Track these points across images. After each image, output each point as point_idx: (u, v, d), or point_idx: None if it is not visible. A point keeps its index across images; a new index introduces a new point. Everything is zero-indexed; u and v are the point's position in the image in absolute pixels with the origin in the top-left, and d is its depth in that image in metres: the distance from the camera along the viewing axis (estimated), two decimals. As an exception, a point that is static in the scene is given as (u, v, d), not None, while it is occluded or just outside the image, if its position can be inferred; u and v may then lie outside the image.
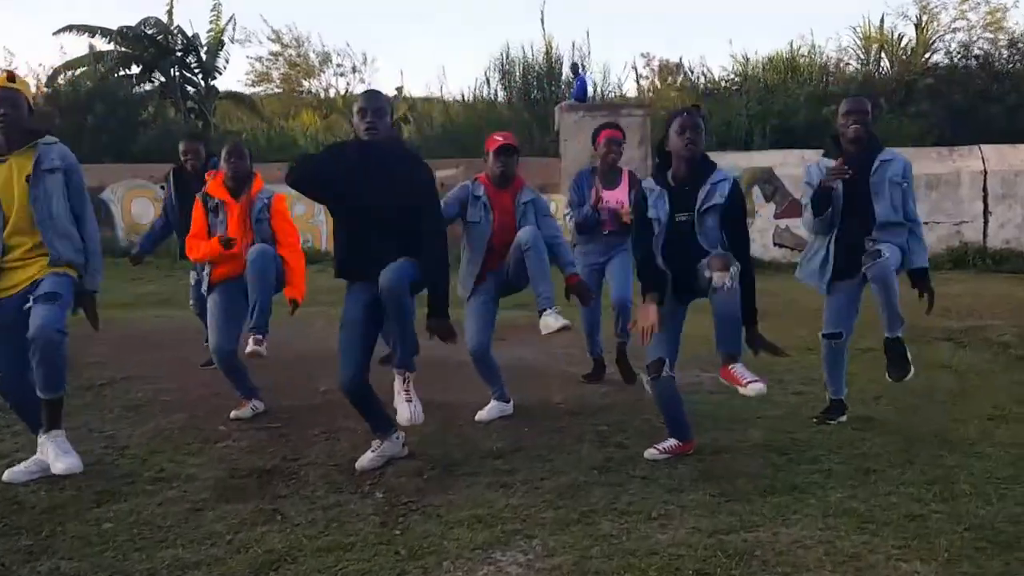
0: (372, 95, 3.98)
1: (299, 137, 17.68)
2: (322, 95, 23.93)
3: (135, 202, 14.88)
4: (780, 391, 5.51)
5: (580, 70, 16.25)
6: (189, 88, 19.14)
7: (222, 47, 19.06)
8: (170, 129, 17.09)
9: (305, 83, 24.81)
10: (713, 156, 4.21)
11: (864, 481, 3.85)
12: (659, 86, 20.00)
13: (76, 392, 5.04)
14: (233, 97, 20.58)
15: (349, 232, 3.98)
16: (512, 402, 5.04)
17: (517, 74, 17.68)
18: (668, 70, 20.61)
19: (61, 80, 17.86)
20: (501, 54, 18.01)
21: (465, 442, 4.51)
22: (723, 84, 17.63)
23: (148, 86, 18.97)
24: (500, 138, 4.85)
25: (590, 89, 16.28)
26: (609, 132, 5.51)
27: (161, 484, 3.90)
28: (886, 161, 4.50)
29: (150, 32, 18.33)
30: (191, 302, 6.17)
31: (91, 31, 18.06)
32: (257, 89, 24.57)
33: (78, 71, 18.05)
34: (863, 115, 4.49)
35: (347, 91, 23.23)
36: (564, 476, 3.95)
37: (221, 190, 4.97)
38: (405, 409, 3.97)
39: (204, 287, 5.04)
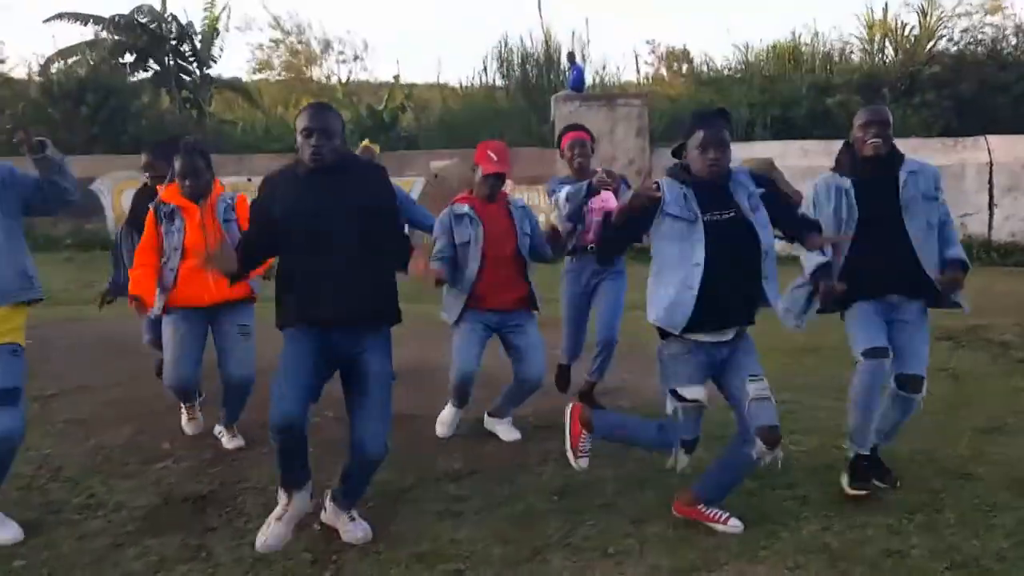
0: (319, 112, 3.31)
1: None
2: (323, 82, 23.78)
3: (125, 193, 14.67)
4: (764, 401, 5.25)
5: (577, 59, 15.97)
6: (184, 77, 18.92)
7: (217, 35, 18.88)
8: (164, 119, 16.92)
9: (307, 71, 24.68)
10: None
11: (840, 510, 3.61)
12: (664, 73, 19.75)
13: (24, 404, 4.79)
14: (229, 85, 20.35)
15: (300, 269, 3.29)
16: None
17: (515, 62, 17.44)
18: (674, 57, 20.38)
19: (54, 69, 17.67)
20: (500, 42, 17.81)
21: (422, 462, 4.25)
22: (725, 72, 17.31)
23: (142, 75, 18.79)
24: (494, 157, 4.47)
25: (588, 79, 15.99)
26: (572, 135, 4.99)
27: (87, 513, 3.66)
28: (914, 173, 3.85)
29: (143, 20, 18.14)
30: (144, 338, 5.31)
31: (83, 19, 17.88)
32: (259, 77, 24.45)
33: (71, 60, 17.86)
34: (884, 127, 3.81)
35: (348, 79, 23.04)
36: (520, 503, 3.71)
37: (178, 197, 4.57)
38: (356, 529, 3.43)
39: (158, 310, 4.45)
